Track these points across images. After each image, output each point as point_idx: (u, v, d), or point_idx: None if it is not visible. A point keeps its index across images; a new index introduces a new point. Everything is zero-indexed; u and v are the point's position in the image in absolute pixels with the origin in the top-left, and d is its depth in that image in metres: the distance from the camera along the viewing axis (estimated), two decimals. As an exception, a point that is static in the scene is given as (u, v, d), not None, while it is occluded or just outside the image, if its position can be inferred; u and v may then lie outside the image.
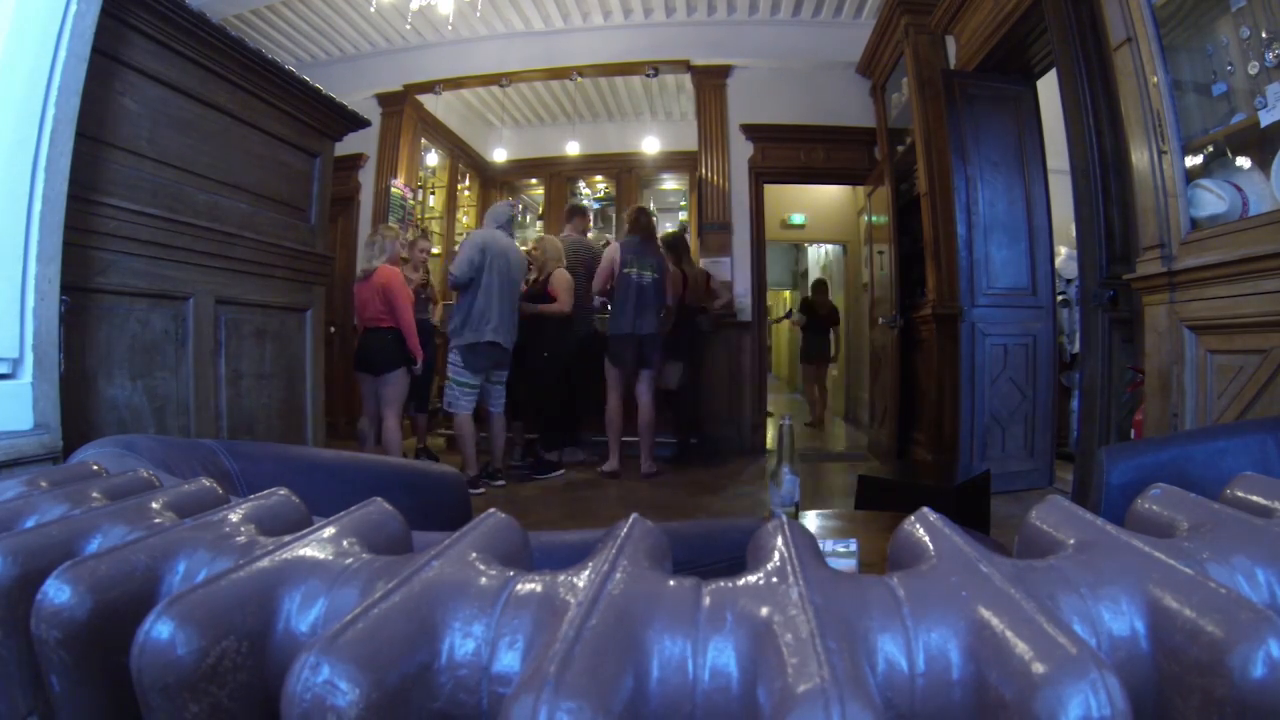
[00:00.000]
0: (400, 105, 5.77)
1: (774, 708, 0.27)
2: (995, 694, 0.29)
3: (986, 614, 0.31)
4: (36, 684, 0.42)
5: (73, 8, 1.31)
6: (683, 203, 7.35)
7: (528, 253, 4.45)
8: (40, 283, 1.29)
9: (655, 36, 5.50)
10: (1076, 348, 3.76)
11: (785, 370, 13.46)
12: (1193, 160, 2.08)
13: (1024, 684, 0.27)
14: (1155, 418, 2.11)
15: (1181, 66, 2.09)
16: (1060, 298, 4.15)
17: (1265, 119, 1.77)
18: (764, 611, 0.32)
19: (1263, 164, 1.90)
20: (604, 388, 4.15)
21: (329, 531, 0.44)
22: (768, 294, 6.43)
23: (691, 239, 6.47)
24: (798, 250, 10.14)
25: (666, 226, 7.57)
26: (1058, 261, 4.07)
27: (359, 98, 5.41)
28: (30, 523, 0.50)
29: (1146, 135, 2.07)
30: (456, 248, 5.64)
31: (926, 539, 0.40)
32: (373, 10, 5.15)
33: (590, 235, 4.34)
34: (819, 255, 8.86)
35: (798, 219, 7.28)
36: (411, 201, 6.10)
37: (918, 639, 0.31)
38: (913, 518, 0.43)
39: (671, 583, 0.35)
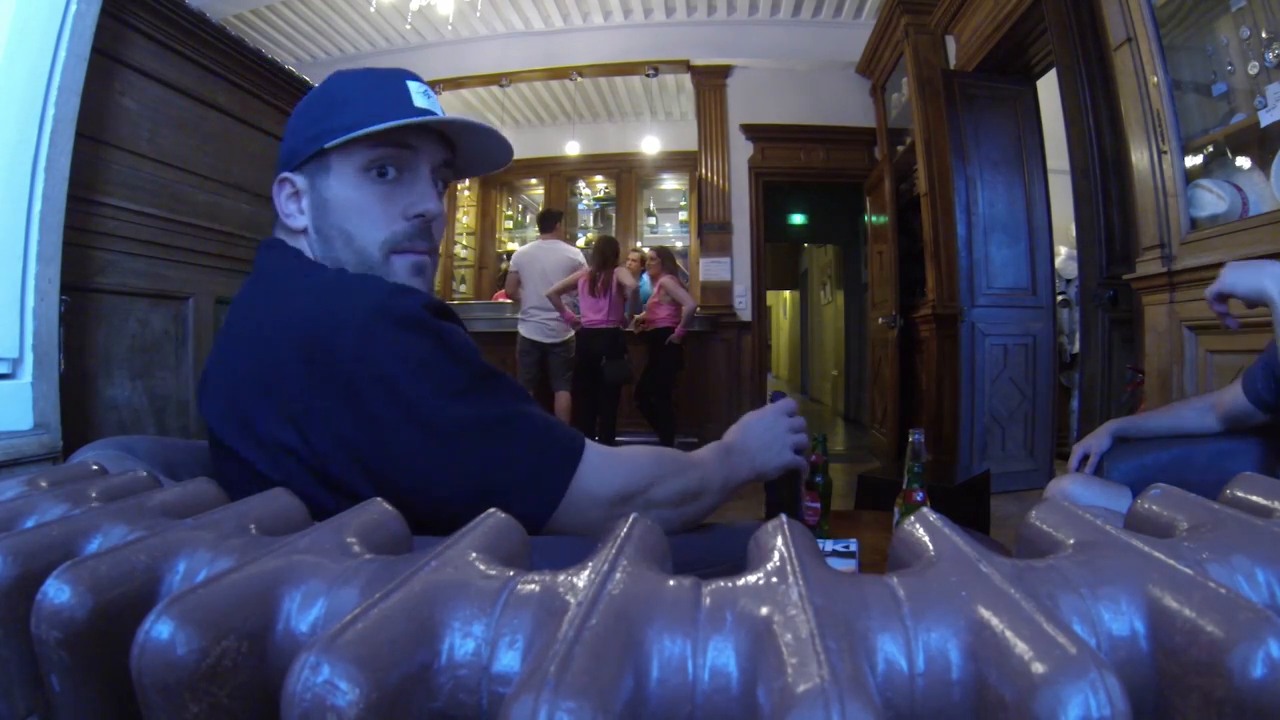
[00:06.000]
0: (400, 105, 5.77)
1: (774, 708, 0.27)
2: (995, 694, 0.29)
3: (986, 614, 0.31)
4: (36, 684, 0.42)
5: (73, 8, 1.31)
6: (683, 203, 7.35)
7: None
8: (40, 282, 1.29)
9: (655, 36, 5.49)
10: (1076, 348, 3.76)
11: (785, 371, 13.48)
12: (1193, 160, 2.08)
13: (1024, 684, 0.27)
14: (1155, 418, 2.11)
15: (1181, 66, 2.09)
16: (1060, 298, 4.14)
17: (1265, 119, 1.77)
18: (764, 611, 0.32)
19: (1263, 164, 1.90)
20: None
21: (329, 531, 0.44)
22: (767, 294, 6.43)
23: (691, 239, 6.47)
24: (798, 250, 10.14)
25: (667, 227, 7.59)
26: (1058, 261, 4.07)
27: (359, 98, 5.40)
28: (30, 523, 0.50)
29: (1146, 135, 2.07)
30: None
31: (926, 539, 0.40)
32: (373, 10, 5.15)
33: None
34: (819, 254, 8.86)
35: (798, 219, 7.28)
36: (411, 201, 6.09)
37: (917, 639, 0.31)
38: (913, 518, 0.43)
39: (671, 583, 0.35)
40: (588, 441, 0.70)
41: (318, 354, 0.62)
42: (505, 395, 0.67)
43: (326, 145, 0.71)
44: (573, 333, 4.39)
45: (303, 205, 0.74)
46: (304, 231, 0.75)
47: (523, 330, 4.38)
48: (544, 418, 0.69)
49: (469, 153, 0.80)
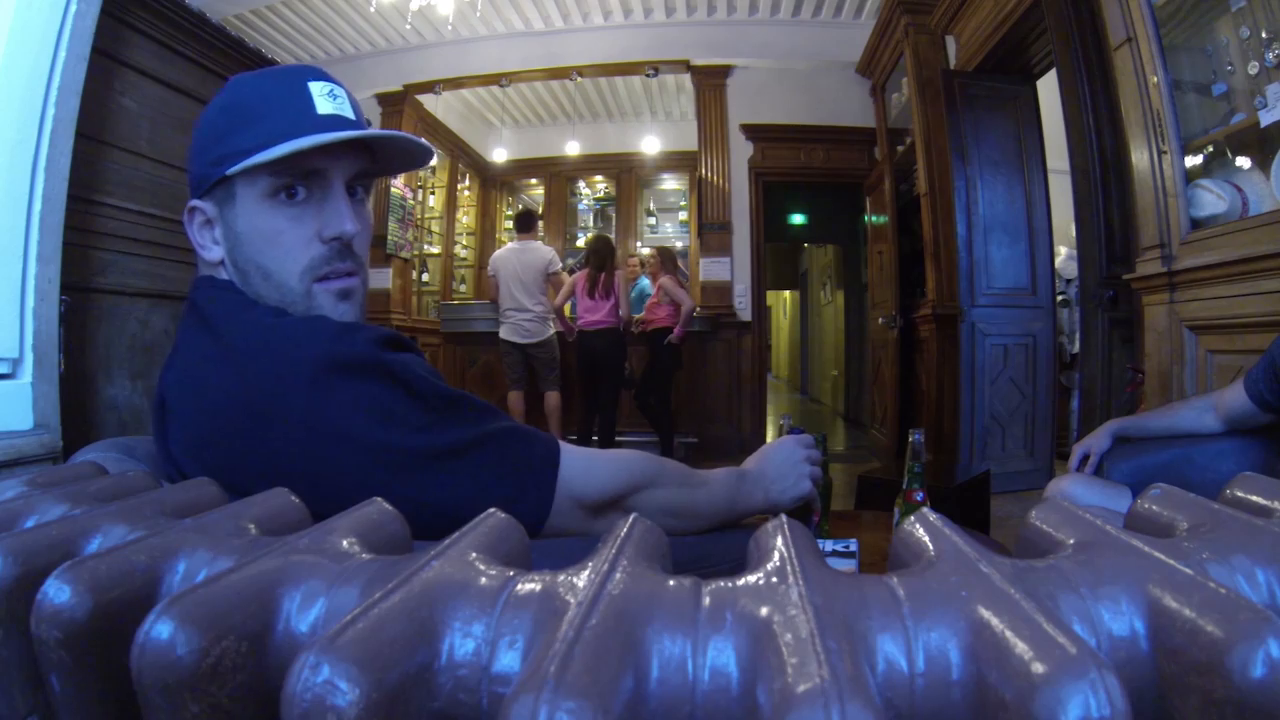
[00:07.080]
0: (400, 105, 5.77)
1: (774, 708, 0.27)
2: (995, 694, 0.29)
3: (986, 614, 0.31)
4: (36, 684, 0.42)
5: (73, 8, 1.31)
6: (683, 203, 7.35)
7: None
8: (40, 283, 1.29)
9: (655, 36, 5.50)
10: (1076, 348, 3.76)
11: (785, 371, 13.48)
12: (1193, 160, 2.08)
13: (1024, 684, 0.27)
14: (1155, 418, 2.11)
15: (1181, 66, 2.09)
16: (1060, 298, 4.14)
17: (1265, 119, 1.77)
18: (764, 611, 0.32)
19: (1263, 164, 1.90)
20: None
21: (328, 531, 0.44)
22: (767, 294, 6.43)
23: (691, 239, 6.46)
24: (798, 250, 10.13)
25: (667, 227, 7.59)
26: (1058, 261, 4.07)
27: (359, 98, 5.40)
28: (30, 523, 0.50)
29: (1146, 135, 2.07)
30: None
31: (926, 539, 0.40)
32: (373, 10, 5.15)
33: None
34: (819, 254, 8.85)
35: (798, 219, 7.28)
36: (411, 202, 6.10)
37: (917, 639, 0.31)
38: (913, 518, 0.43)
39: (671, 582, 0.35)
40: (564, 445, 0.69)
41: (273, 423, 0.60)
42: (471, 418, 0.65)
43: (228, 173, 0.66)
44: (552, 332, 4.39)
45: (216, 235, 0.70)
46: (221, 264, 0.71)
47: (502, 332, 4.38)
48: (514, 431, 0.67)
49: (389, 151, 0.75)
